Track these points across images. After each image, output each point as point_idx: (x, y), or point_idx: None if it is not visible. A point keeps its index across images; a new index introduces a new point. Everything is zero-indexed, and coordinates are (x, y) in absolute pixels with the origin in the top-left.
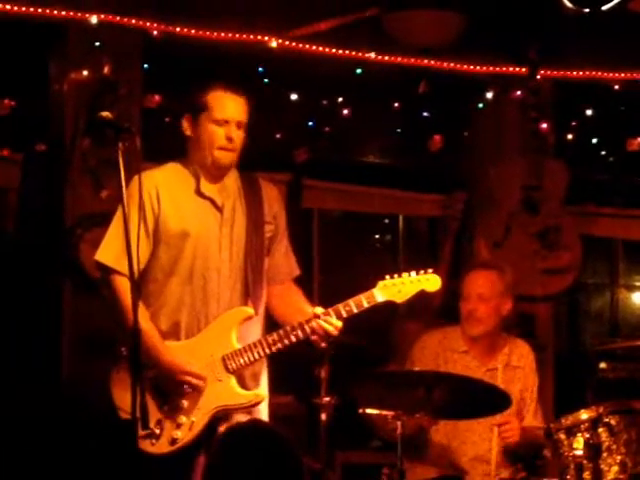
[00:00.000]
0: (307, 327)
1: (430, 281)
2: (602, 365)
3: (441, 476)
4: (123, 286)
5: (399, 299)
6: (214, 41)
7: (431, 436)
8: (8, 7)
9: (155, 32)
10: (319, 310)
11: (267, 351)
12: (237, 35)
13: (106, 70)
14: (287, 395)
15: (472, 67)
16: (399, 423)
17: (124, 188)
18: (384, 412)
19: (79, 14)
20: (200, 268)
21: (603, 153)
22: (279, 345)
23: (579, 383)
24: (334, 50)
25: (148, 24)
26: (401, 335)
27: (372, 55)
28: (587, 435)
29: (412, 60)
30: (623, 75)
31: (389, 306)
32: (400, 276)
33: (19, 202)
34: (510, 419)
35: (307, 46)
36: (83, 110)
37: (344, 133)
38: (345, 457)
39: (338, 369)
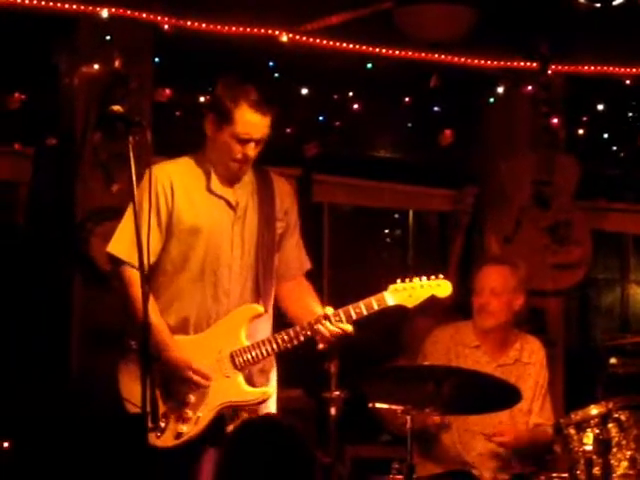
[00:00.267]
0: (316, 328)
1: (441, 287)
2: (612, 360)
3: (450, 471)
4: (134, 279)
5: (409, 304)
6: (225, 35)
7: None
8: (19, 0)
9: (166, 26)
10: (330, 311)
11: (275, 349)
12: (248, 29)
13: (117, 64)
14: (297, 389)
15: (483, 62)
16: (408, 417)
17: (135, 182)
18: (394, 406)
19: (90, 8)
20: (211, 264)
21: (614, 148)
22: (288, 344)
23: (589, 378)
24: (345, 44)
25: (159, 18)
26: (411, 330)
27: (383, 50)
28: (597, 430)
29: (423, 55)
30: (634, 70)
31: (399, 308)
32: (411, 280)
33: (30, 196)
34: (502, 428)
35: (318, 40)
36: (94, 104)
37: (354, 128)
38: (355, 451)
39: (348, 363)
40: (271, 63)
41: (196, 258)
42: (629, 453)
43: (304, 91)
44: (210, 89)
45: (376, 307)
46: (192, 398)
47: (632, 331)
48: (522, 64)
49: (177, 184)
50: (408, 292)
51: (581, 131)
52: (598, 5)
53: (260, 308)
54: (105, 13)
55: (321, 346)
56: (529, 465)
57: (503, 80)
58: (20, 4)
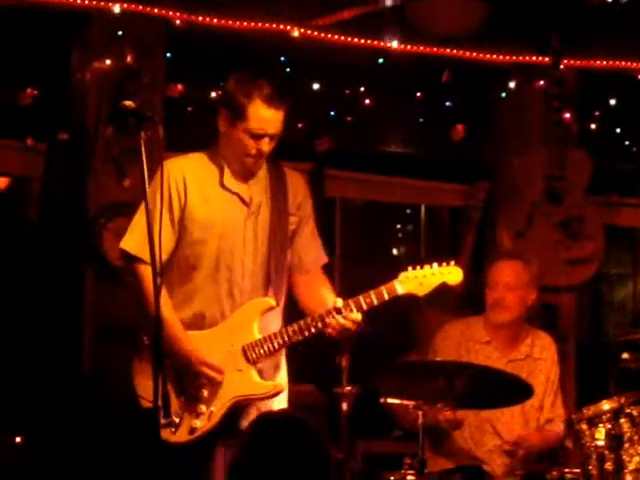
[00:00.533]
0: (327, 320)
1: (452, 274)
2: (624, 355)
3: (461, 466)
4: (147, 274)
5: (420, 292)
6: (236, 30)
7: None
8: None
9: (178, 21)
10: (339, 303)
11: (287, 342)
12: (259, 24)
13: (129, 59)
14: (308, 384)
15: (495, 56)
16: (420, 413)
17: (146, 177)
18: (405, 402)
19: (102, 3)
20: (225, 260)
21: (627, 143)
22: (299, 336)
23: (601, 374)
24: (356, 39)
25: (171, 13)
26: (422, 325)
27: (394, 44)
28: (609, 426)
29: (435, 49)
30: None
31: (410, 297)
32: (422, 268)
33: (42, 191)
34: (517, 440)
35: (329, 35)
36: (106, 99)
37: (366, 123)
38: (366, 446)
39: (359, 358)
40: (283, 58)
41: (209, 254)
42: None
43: (316, 86)
44: (222, 84)
45: (386, 296)
46: (205, 393)
47: None
48: (534, 59)
49: (190, 179)
50: (419, 280)
51: (593, 126)
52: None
53: (272, 301)
54: (117, 8)
55: (330, 331)
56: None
57: (515, 75)
58: (32, 0)
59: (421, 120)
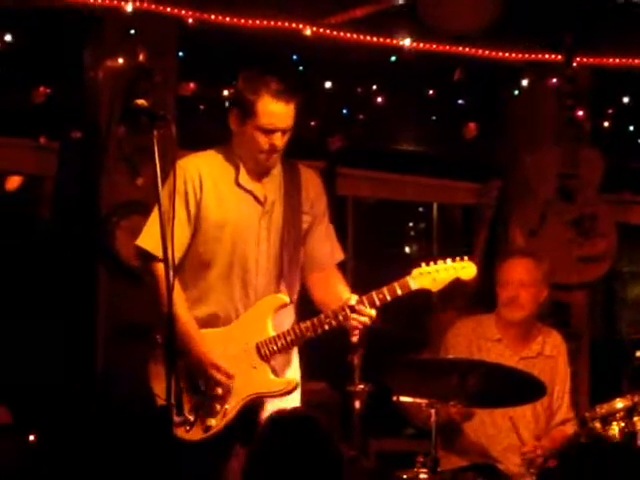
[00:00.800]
0: (340, 316)
1: (466, 269)
2: (638, 354)
3: (475, 464)
4: (163, 272)
5: (434, 287)
6: (248, 29)
7: (465, 425)
8: None
9: (190, 20)
10: (353, 299)
11: (300, 338)
12: (271, 23)
13: (141, 58)
14: (321, 382)
15: (507, 54)
16: (433, 411)
17: (159, 175)
18: (418, 400)
19: (115, 2)
20: (239, 259)
21: (639, 141)
22: (312, 333)
23: (615, 372)
24: (368, 38)
25: (183, 12)
26: (436, 324)
27: (407, 42)
28: (622, 424)
29: (447, 47)
30: None
31: (424, 294)
32: (435, 263)
33: (55, 190)
34: (535, 446)
35: (341, 34)
36: (118, 98)
37: (378, 121)
38: (379, 445)
39: (372, 356)
40: (295, 56)
41: (224, 252)
42: None
43: (328, 84)
44: (234, 83)
45: (400, 292)
46: (219, 391)
47: None
48: (547, 56)
49: (205, 177)
50: (432, 276)
51: (606, 124)
52: None
53: (285, 298)
54: (130, 7)
55: (354, 339)
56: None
57: (528, 73)
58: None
59: (433, 118)
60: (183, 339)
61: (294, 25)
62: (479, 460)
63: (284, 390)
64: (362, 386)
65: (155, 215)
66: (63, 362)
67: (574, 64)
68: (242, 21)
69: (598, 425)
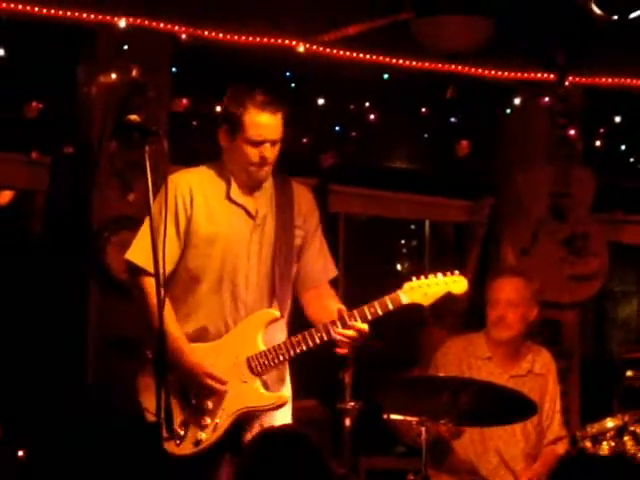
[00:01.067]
0: (331, 330)
1: (457, 283)
2: (629, 373)
3: None
4: (152, 286)
5: (425, 302)
6: (242, 45)
7: (455, 443)
8: (37, 10)
9: (183, 36)
10: (344, 312)
11: (292, 353)
12: (265, 39)
13: (134, 73)
14: (311, 399)
15: (500, 73)
16: (423, 429)
17: (151, 191)
18: (408, 418)
19: (108, 17)
20: (229, 274)
21: (631, 160)
22: (303, 347)
23: (605, 391)
24: (361, 55)
25: (176, 28)
26: (427, 341)
27: (400, 60)
28: (612, 443)
29: (440, 65)
30: None
31: (416, 311)
32: (426, 277)
33: (47, 204)
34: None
35: (334, 51)
36: (111, 113)
37: (371, 138)
38: (369, 462)
39: (363, 374)
40: (288, 73)
41: (213, 267)
42: None
43: (321, 101)
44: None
45: (391, 306)
46: (210, 405)
47: None
48: (539, 75)
49: (196, 192)
50: (423, 290)
51: (598, 143)
52: (615, 17)
53: (276, 312)
54: (123, 23)
55: (341, 351)
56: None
57: (520, 91)
58: (38, 13)
59: (426, 136)
60: (174, 353)
61: (287, 42)
62: (469, 478)
63: (275, 404)
64: (353, 403)
65: (145, 229)
66: (54, 376)
67: (566, 83)
68: (235, 37)
69: (589, 444)
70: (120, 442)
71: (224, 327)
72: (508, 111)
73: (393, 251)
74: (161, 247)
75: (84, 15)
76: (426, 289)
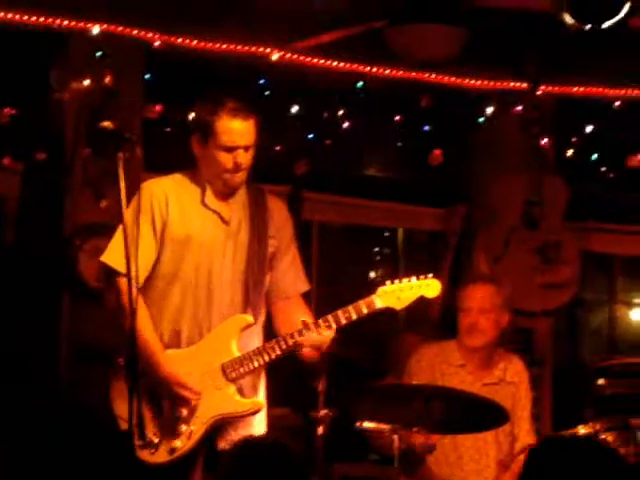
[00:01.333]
0: (297, 338)
1: (430, 286)
2: (600, 381)
3: None
4: (127, 289)
5: (398, 306)
6: (215, 52)
7: None
8: (10, 16)
9: (157, 42)
10: (309, 320)
11: (266, 359)
12: (238, 47)
13: (107, 80)
14: (284, 407)
15: (473, 82)
16: (396, 437)
17: (124, 197)
18: (381, 426)
19: (81, 24)
20: (203, 277)
21: (603, 169)
22: (278, 353)
23: (577, 399)
24: (335, 63)
25: (150, 35)
26: (400, 347)
27: (373, 69)
28: None
29: (413, 74)
30: (623, 92)
31: (388, 318)
32: (400, 282)
33: (19, 211)
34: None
35: (308, 59)
36: (84, 119)
37: (345, 146)
38: (343, 470)
39: (335, 382)
40: (262, 81)
41: (187, 270)
42: None
43: (294, 109)
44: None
45: (365, 311)
46: (184, 412)
47: (620, 352)
48: (512, 84)
49: (172, 197)
50: (397, 294)
51: (570, 152)
52: (587, 27)
53: (250, 318)
54: (96, 29)
55: (306, 351)
56: None
57: (493, 100)
58: (11, 19)
59: (399, 144)
60: (147, 358)
61: (261, 49)
62: None
63: (250, 411)
64: (325, 411)
65: (120, 232)
66: (26, 384)
67: (538, 92)
68: (209, 45)
69: None
70: (93, 451)
71: (198, 332)
72: (481, 120)
73: (367, 258)
74: (131, 251)
75: (57, 21)
76: (399, 293)
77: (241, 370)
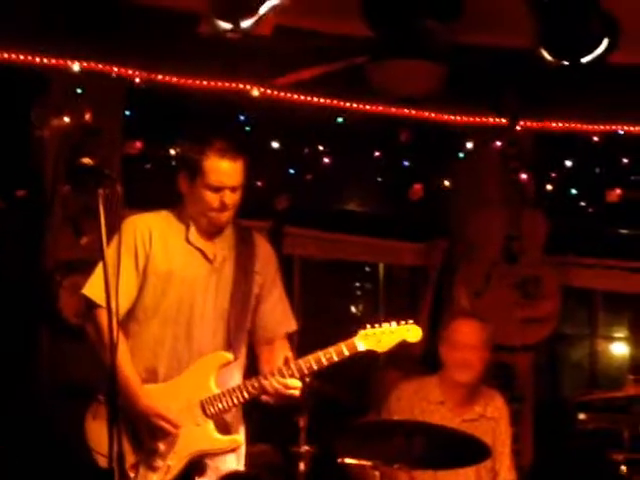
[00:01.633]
0: (263, 382)
1: (411, 332)
2: (581, 416)
3: None
4: (106, 321)
5: (379, 349)
6: (196, 89)
7: None
8: None
9: (137, 79)
10: (281, 365)
11: (246, 396)
12: (219, 83)
13: (87, 117)
14: (265, 444)
15: (453, 117)
16: (377, 473)
17: (104, 234)
18: (363, 462)
19: (61, 61)
20: (184, 313)
21: (582, 204)
22: (257, 391)
23: (558, 434)
24: (315, 99)
25: (130, 72)
26: (381, 383)
27: (354, 104)
28: None
29: (393, 109)
30: (602, 127)
31: (370, 354)
32: (381, 326)
33: None
34: None
35: (288, 95)
36: (64, 156)
37: (325, 181)
38: None
39: (317, 418)
40: (242, 117)
41: (168, 305)
42: None
43: (275, 145)
44: (179, 142)
45: (346, 353)
46: (162, 447)
47: (600, 387)
48: (491, 120)
49: (155, 232)
50: (377, 337)
51: (550, 187)
52: (566, 63)
53: (229, 355)
54: (77, 67)
55: (265, 398)
56: None
57: (472, 135)
58: None
59: (380, 179)
60: (127, 395)
61: (241, 86)
62: None
63: (228, 448)
64: (307, 448)
65: (101, 266)
66: (5, 420)
67: (517, 128)
68: (189, 81)
69: None
70: None
71: (176, 366)
72: (461, 155)
73: (347, 293)
74: (116, 285)
75: (37, 59)
76: (380, 337)
77: (220, 407)
